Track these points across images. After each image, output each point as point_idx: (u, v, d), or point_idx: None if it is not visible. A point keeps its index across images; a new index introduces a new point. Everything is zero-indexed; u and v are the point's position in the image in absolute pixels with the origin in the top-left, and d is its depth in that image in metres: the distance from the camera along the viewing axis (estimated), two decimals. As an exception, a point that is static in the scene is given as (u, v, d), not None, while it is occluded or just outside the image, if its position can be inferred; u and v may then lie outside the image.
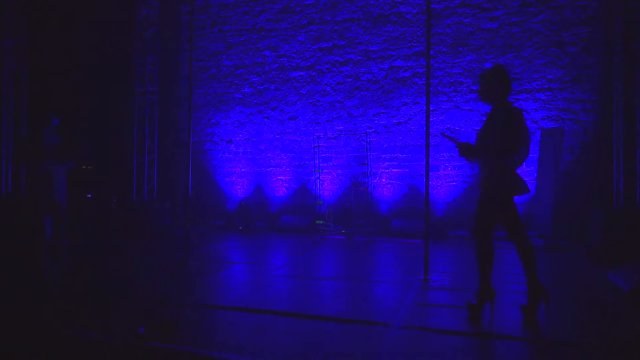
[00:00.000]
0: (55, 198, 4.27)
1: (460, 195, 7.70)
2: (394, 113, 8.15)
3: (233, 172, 9.31)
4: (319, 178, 7.78)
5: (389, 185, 8.11)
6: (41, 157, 4.23)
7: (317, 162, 7.80)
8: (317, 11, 8.66)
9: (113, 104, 8.16)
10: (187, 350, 2.46)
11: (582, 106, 7.09)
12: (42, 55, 7.14)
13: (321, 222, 7.40)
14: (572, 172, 7.03)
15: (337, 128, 8.48)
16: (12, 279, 4.10)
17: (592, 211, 5.87)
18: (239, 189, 9.23)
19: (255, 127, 9.16)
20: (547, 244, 6.21)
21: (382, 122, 8.19)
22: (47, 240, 4.08)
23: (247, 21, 9.19)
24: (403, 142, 8.08)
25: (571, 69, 7.12)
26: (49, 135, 4.44)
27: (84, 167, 7.18)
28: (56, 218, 4.28)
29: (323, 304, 3.48)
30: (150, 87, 8.68)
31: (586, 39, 7.04)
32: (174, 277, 4.32)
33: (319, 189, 7.82)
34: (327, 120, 8.56)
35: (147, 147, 8.59)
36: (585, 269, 4.94)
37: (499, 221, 3.02)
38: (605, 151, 6.59)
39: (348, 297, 3.72)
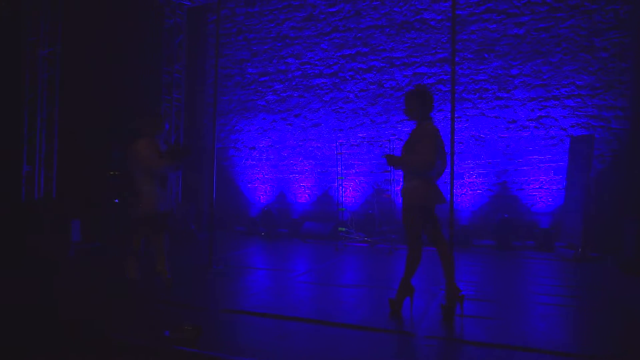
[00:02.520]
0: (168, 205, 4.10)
1: (485, 203, 7.58)
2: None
3: (256, 178, 9.39)
4: (341, 185, 7.77)
5: (412, 193, 8.02)
6: (167, 163, 3.92)
7: (339, 169, 7.80)
8: (340, 19, 8.71)
9: (140, 110, 8.34)
10: (211, 354, 2.49)
11: (614, 113, 6.89)
12: (74, 65, 7.39)
13: (343, 229, 7.37)
14: (604, 180, 6.82)
15: (360, 135, 8.47)
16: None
17: (625, 221, 5.67)
18: (261, 195, 9.30)
19: (279, 134, 9.23)
20: (576, 255, 6.02)
21: (406, 129, 8.14)
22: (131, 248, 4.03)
23: (271, 29, 9.30)
24: (426, 149, 7.99)
25: (602, 75, 6.94)
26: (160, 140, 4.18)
27: (112, 172, 7.36)
28: (163, 227, 4.08)
29: (346, 312, 3.46)
30: (176, 94, 8.88)
31: (618, 44, 6.85)
32: (199, 281, 4.37)
33: (342, 196, 7.80)
34: (350, 128, 8.57)
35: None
36: (620, 281, 4.78)
37: (424, 228, 3.36)
38: (638, 159, 6.38)
39: (371, 304, 3.69)
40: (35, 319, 3.12)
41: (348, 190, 8.35)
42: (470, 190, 7.65)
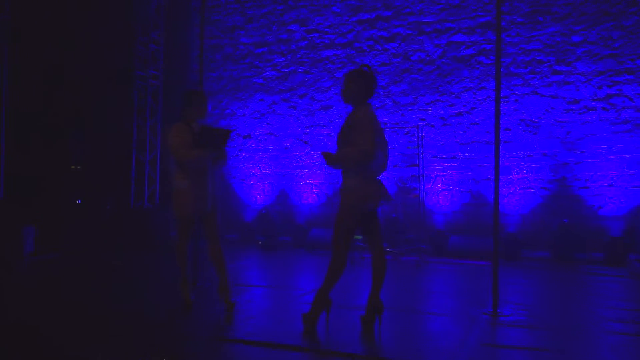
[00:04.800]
0: (210, 205, 4.09)
1: (538, 205, 7.53)
2: (452, 101, 8.05)
3: (251, 174, 9.40)
4: None
5: (446, 192, 8.01)
6: (199, 153, 3.91)
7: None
8: (356, -26, 8.69)
9: (107, 90, 8.38)
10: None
11: None
12: (23, 36, 7.40)
13: (360, 237, 7.33)
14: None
15: (381, 120, 8.38)
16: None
17: None
18: (258, 194, 9.31)
19: (279, 119, 9.22)
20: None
21: (438, 112, 8.10)
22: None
23: (270, -11, 9.32)
24: (464, 138, 7.96)
25: (688, 42, 6.83)
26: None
27: (73, 167, 7.41)
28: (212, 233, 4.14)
29: (364, 340, 3.45)
30: (152, 70, 8.89)
31: None
32: (181, 302, 4.37)
33: None
34: None
35: (149, 143, 8.80)
36: None
37: (360, 231, 3.61)
38: None
39: (394, 332, 3.67)
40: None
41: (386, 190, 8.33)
42: (520, 188, 7.60)
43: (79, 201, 7.46)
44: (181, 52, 9.85)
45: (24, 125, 7.44)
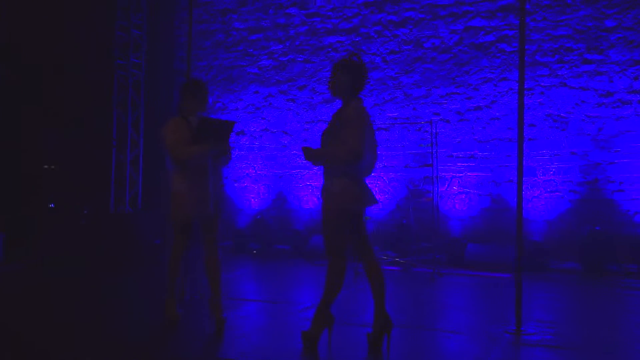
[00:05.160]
0: (211, 209, 4.07)
1: (567, 210, 7.51)
2: (470, 93, 8.03)
3: (245, 175, 9.39)
4: None
5: (463, 196, 8.01)
6: (197, 149, 3.91)
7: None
8: (363, -48, 8.69)
9: (84, 81, 8.37)
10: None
11: None
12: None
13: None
14: None
15: (390, 115, 8.44)
16: None
17: None
18: (252, 198, 9.30)
19: (277, 114, 9.22)
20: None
21: (454, 106, 8.10)
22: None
23: (266, -32, 9.32)
24: (483, 135, 7.95)
25: None
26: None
27: (46, 166, 7.40)
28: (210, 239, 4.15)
29: (369, 363, 3.41)
30: (134, 58, 8.88)
31: None
32: (166, 319, 4.35)
33: None
34: (376, 104, 8.53)
35: (131, 141, 8.79)
36: None
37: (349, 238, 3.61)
38: None
39: (405, 352, 3.66)
40: None
41: (373, 192, 8.31)
42: (546, 192, 7.59)
43: (52, 205, 7.45)
44: (166, 38, 9.85)
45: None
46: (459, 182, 8.03)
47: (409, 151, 8.23)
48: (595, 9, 7.43)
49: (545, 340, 3.91)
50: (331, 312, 3.57)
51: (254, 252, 8.44)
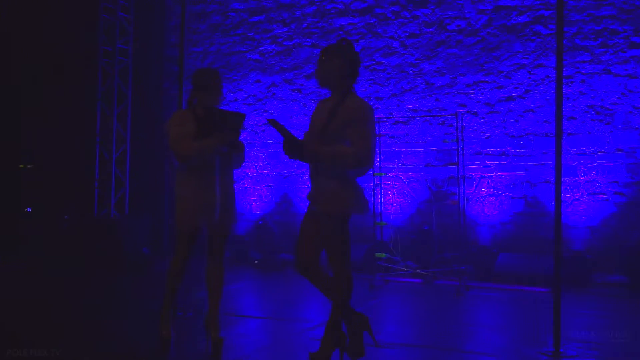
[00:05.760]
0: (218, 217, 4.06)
1: (611, 215, 7.48)
2: (501, 82, 8.02)
3: (245, 175, 9.41)
4: (379, 185, 7.69)
5: (493, 199, 7.98)
6: (200, 145, 3.90)
7: (376, 159, 7.74)
8: None
9: (64, 70, 8.41)
10: None
11: None
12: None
13: (383, 255, 7.31)
14: None
15: (410, 107, 8.44)
16: None
17: None
18: (254, 201, 9.34)
19: (281, 106, 9.25)
20: None
21: (483, 96, 8.09)
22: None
23: (269, -60, 9.34)
24: (516, 129, 7.95)
25: None
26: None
27: (22, 166, 7.46)
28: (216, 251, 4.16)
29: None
30: (121, 43, 8.91)
31: None
32: (156, 337, 4.39)
33: (380, 204, 7.72)
34: (394, 94, 8.53)
35: (116, 137, 8.83)
36: None
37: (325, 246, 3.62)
38: None
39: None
40: None
41: (390, 195, 8.34)
42: (588, 194, 7.56)
43: (28, 209, 7.51)
44: (156, 22, 9.88)
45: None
46: (488, 182, 8.01)
47: (432, 148, 8.22)
48: (643, -15, 7.41)
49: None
50: (343, 330, 3.57)
51: (256, 262, 8.45)
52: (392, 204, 8.36)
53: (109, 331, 4.73)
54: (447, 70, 8.28)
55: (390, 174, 8.25)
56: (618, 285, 7.04)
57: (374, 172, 7.66)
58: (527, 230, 7.80)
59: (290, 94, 9.21)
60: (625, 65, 7.47)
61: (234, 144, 4.04)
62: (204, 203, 3.95)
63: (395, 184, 8.37)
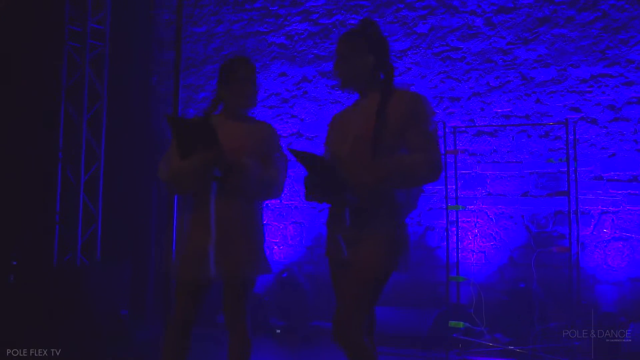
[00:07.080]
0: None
1: None
2: (631, 76, 7.93)
3: (264, 206, 9.30)
4: (455, 223, 7.74)
5: (620, 244, 7.85)
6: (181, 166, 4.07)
7: (451, 186, 7.69)
8: None
9: (16, 57, 8.42)
10: None
11: None
12: None
13: (461, 324, 7.34)
14: None
15: (498, 111, 8.42)
16: None
17: None
18: (275, 244, 9.31)
19: (314, 109, 9.31)
20: None
21: (603, 96, 8.01)
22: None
23: None
24: (653, 145, 7.86)
25: None
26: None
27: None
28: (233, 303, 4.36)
29: None
30: (94, 22, 8.92)
31: None
32: None
33: (456, 250, 7.75)
34: (476, 94, 8.54)
35: (86, 152, 8.83)
36: None
37: None
38: None
39: None
40: None
41: (471, 237, 8.33)
42: None
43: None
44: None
45: None
46: (612, 220, 7.88)
47: (530, 170, 8.16)
48: None
49: None
50: None
51: (277, 331, 8.45)
52: (473, 251, 8.33)
53: None
54: (553, 59, 8.23)
55: (471, 207, 8.26)
56: None
57: (447, 205, 7.69)
58: (669, 289, 7.72)
59: (327, 93, 9.24)
60: None
61: (225, 165, 4.03)
62: (195, 247, 4.10)
63: (478, 222, 8.34)
